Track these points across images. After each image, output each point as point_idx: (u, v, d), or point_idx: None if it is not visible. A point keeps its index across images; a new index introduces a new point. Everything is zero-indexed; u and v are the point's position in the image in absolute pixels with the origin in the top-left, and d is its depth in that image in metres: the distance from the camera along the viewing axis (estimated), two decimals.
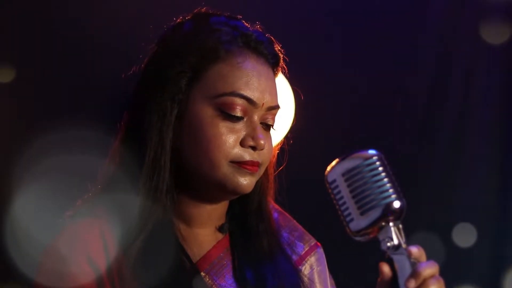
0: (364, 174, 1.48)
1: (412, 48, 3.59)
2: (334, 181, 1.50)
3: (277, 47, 1.80)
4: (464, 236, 3.53)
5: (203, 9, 1.81)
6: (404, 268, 1.45)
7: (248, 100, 1.71)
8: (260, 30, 1.79)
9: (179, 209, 1.75)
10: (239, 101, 1.70)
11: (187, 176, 1.73)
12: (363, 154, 1.49)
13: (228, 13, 1.81)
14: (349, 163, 1.49)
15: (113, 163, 1.73)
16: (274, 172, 1.85)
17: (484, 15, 3.49)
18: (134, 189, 1.68)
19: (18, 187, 3.01)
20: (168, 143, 1.70)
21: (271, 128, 1.77)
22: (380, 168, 1.48)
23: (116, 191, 1.70)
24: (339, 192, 1.49)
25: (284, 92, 3.02)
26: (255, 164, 1.71)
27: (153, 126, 1.70)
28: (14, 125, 3.13)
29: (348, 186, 1.49)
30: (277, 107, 1.76)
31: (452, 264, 3.40)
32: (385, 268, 1.47)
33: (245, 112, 1.71)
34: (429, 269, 1.44)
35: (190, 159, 1.71)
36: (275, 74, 1.80)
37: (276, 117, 1.78)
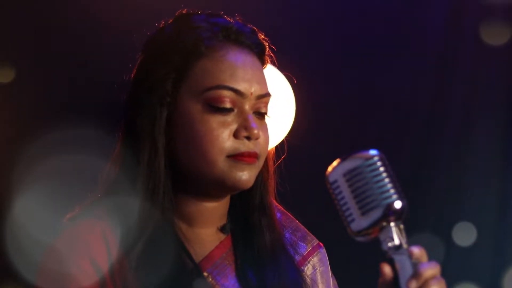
0: (365, 175, 1.47)
1: (414, 47, 3.59)
2: (335, 181, 1.49)
3: (261, 36, 1.79)
4: (464, 235, 3.53)
5: (185, 10, 1.81)
6: (405, 269, 1.45)
7: (235, 91, 1.70)
8: (241, 22, 1.78)
9: (181, 209, 1.75)
10: (226, 93, 1.69)
11: (185, 176, 1.73)
12: (364, 154, 1.49)
13: (209, 11, 1.80)
14: (350, 164, 1.48)
15: (114, 168, 1.73)
16: (274, 167, 1.84)
17: (485, 16, 3.49)
18: (135, 192, 1.69)
19: (18, 187, 3.01)
20: (161, 147, 1.70)
21: (266, 116, 1.76)
22: (381, 169, 1.47)
23: (118, 194, 1.70)
24: (340, 192, 1.49)
25: (285, 92, 3.02)
26: (252, 155, 1.70)
27: (145, 132, 1.71)
28: (14, 125, 3.13)
29: (349, 186, 1.48)
30: (267, 94, 1.75)
31: (452, 263, 3.41)
32: (386, 269, 1.46)
33: (234, 103, 1.70)
34: (431, 269, 1.43)
35: (186, 159, 1.71)
36: (262, 63, 1.79)
37: (269, 105, 1.76)
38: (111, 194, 1.70)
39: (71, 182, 2.80)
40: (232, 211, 1.82)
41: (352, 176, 1.48)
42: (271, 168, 1.83)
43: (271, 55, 1.81)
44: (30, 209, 3.00)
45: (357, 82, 3.55)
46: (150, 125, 1.71)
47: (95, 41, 3.12)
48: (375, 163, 1.47)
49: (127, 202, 1.68)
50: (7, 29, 3.13)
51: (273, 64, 1.84)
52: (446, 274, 1.47)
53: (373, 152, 1.49)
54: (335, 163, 1.51)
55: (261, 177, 1.79)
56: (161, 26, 1.79)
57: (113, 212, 1.68)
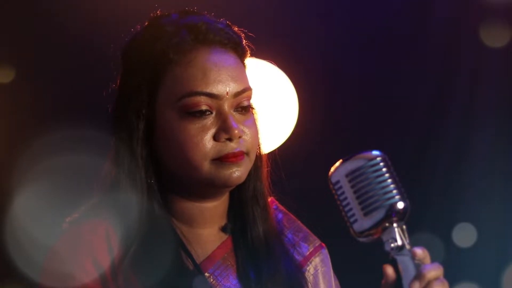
0: (368, 175, 1.47)
1: (415, 48, 3.59)
2: (338, 182, 1.49)
3: (233, 29, 1.74)
4: (464, 236, 3.53)
5: (158, 12, 1.78)
6: (408, 270, 1.45)
7: (209, 95, 1.67)
8: (211, 18, 1.74)
9: (180, 211, 1.74)
10: (201, 98, 1.66)
11: (177, 180, 1.72)
12: (367, 155, 1.49)
13: (182, 10, 1.75)
14: (352, 164, 1.48)
15: (111, 171, 1.72)
16: (267, 154, 1.81)
17: (486, 18, 3.50)
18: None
19: (18, 187, 3.02)
20: (141, 158, 1.69)
21: (250, 109, 1.72)
22: (384, 169, 1.47)
23: (117, 195, 1.70)
24: (342, 193, 1.49)
25: (288, 93, 3.02)
26: (237, 155, 1.67)
27: (124, 144, 1.70)
28: (14, 125, 3.13)
29: (352, 187, 1.48)
30: (245, 90, 1.70)
31: (452, 264, 3.41)
32: (389, 270, 1.46)
33: (211, 106, 1.67)
34: (434, 271, 1.43)
35: (173, 166, 1.70)
36: (240, 57, 1.74)
37: (253, 96, 1.72)
38: (111, 196, 1.70)
39: (71, 182, 2.80)
40: (231, 208, 1.80)
41: (354, 176, 1.48)
42: (264, 156, 1.79)
43: (249, 45, 1.76)
44: (30, 209, 3.00)
45: (357, 83, 3.55)
46: (129, 138, 1.70)
47: (96, 41, 3.11)
48: (378, 163, 1.47)
49: (126, 204, 1.68)
50: (7, 29, 3.13)
51: (252, 54, 1.77)
52: (446, 275, 1.47)
53: (375, 152, 1.49)
54: (337, 163, 1.50)
55: (254, 167, 1.75)
56: (134, 32, 1.76)
57: (114, 212, 1.68)
